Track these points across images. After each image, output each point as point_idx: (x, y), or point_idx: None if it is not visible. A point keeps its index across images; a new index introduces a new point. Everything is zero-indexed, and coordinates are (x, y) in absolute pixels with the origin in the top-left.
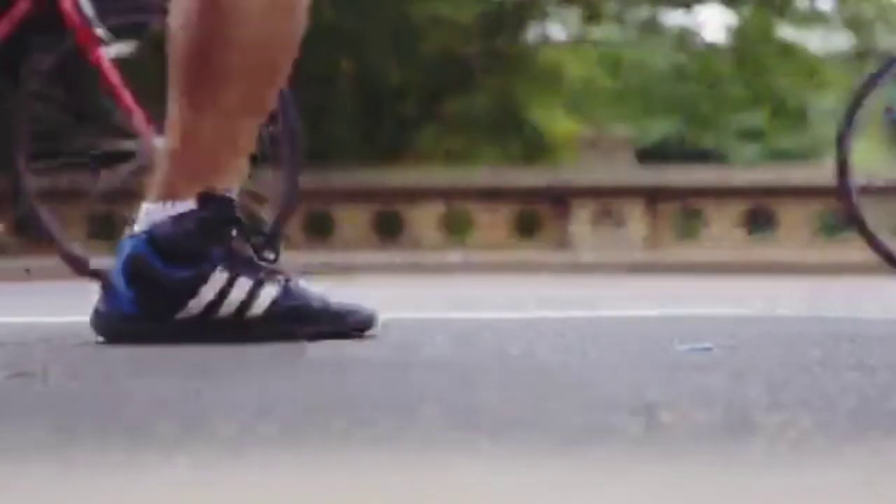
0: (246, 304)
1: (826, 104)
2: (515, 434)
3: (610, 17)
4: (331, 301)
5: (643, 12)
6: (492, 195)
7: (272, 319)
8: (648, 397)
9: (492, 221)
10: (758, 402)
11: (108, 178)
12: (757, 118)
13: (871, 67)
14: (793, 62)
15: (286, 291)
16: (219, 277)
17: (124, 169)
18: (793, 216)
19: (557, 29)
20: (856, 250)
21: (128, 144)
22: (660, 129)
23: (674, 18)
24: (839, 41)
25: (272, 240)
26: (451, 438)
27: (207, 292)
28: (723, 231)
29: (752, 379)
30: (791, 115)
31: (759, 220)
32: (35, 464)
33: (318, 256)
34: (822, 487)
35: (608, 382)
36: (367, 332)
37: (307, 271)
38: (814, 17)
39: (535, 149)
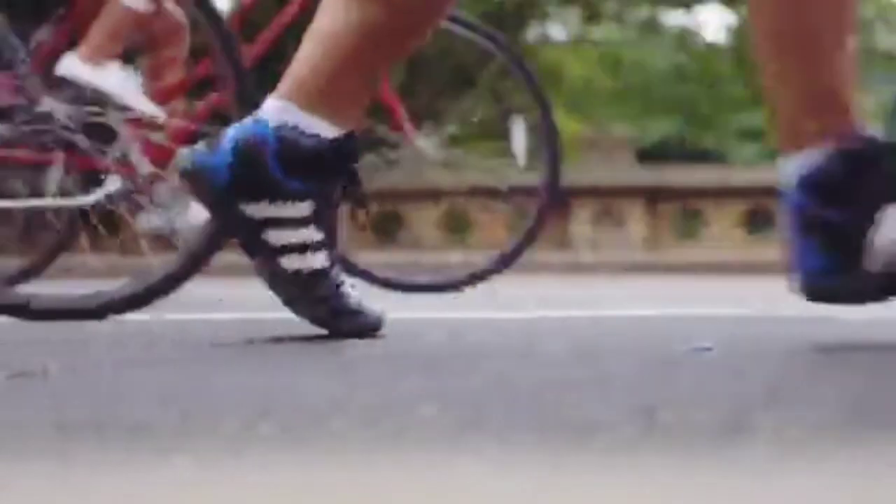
0: (292, 248)
1: None
2: (515, 434)
3: (610, 17)
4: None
5: (643, 12)
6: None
7: (299, 286)
8: (648, 397)
9: (492, 221)
10: (758, 402)
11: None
12: (757, 118)
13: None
14: None
15: (329, 272)
16: (301, 207)
17: (385, 170)
18: None
19: (557, 29)
20: None
21: (390, 143)
22: (660, 129)
23: (674, 18)
24: None
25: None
26: (451, 438)
27: (281, 210)
28: (723, 231)
29: (752, 379)
30: None
31: (759, 220)
32: (34, 463)
33: None
34: (821, 488)
35: (608, 382)
36: (375, 334)
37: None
38: None
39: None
